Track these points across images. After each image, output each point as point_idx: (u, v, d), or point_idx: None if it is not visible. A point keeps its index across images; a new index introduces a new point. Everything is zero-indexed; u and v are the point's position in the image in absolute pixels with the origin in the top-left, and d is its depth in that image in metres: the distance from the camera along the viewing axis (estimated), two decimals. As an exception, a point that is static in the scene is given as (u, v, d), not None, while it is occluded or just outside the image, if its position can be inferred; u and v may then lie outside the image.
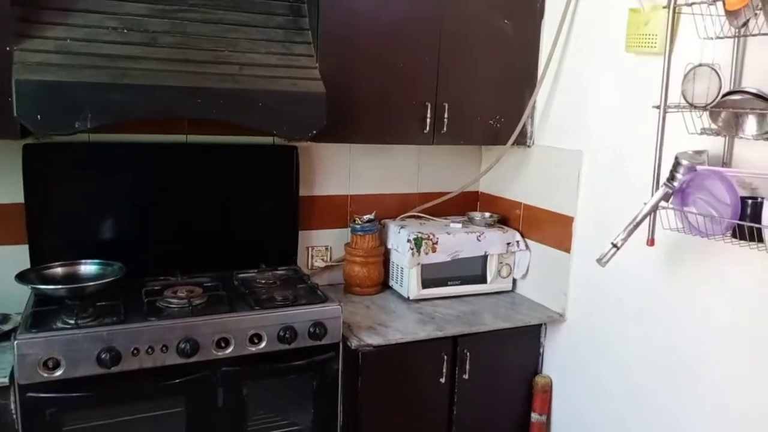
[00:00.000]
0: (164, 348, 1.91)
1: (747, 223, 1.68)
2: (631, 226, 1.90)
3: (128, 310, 1.99)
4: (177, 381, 1.96)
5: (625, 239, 1.91)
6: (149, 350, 1.89)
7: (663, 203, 1.88)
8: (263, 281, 2.36)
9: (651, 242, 1.94)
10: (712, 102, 1.72)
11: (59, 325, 1.88)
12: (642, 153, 2.08)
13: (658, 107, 1.88)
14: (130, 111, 1.83)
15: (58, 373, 1.80)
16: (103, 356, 1.82)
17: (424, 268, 2.59)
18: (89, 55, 1.85)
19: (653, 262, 2.11)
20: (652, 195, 1.89)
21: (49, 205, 2.21)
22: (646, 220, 1.91)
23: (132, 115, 1.85)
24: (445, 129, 2.47)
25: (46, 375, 1.79)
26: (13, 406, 1.80)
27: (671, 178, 1.85)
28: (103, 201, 2.29)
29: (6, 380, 1.77)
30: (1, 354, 1.90)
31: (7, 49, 1.79)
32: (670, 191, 1.85)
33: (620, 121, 2.23)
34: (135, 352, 1.88)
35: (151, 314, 1.98)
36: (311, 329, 2.10)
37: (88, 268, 2.17)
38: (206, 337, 1.96)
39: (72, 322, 1.88)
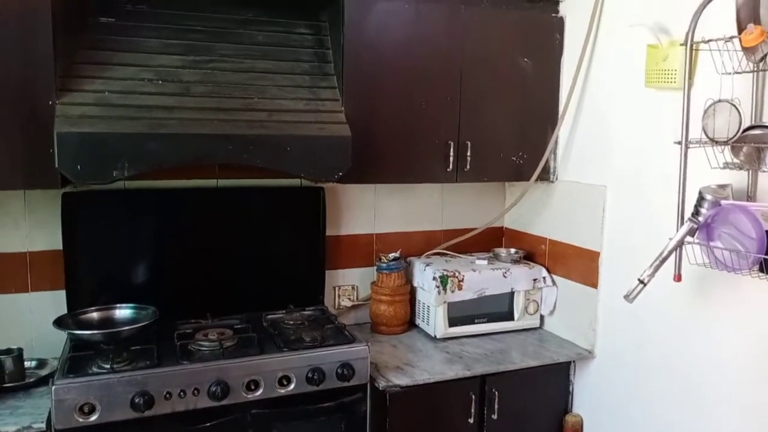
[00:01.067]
0: (196, 391, 1.94)
1: (775, 258, 1.67)
2: (658, 261, 1.90)
3: (161, 353, 2.03)
4: (208, 424, 1.97)
5: (651, 275, 1.91)
6: (181, 393, 1.92)
7: (688, 238, 1.88)
8: (291, 322, 2.39)
9: (678, 278, 1.93)
10: (733, 137, 1.74)
11: (95, 369, 1.92)
12: (666, 188, 2.08)
13: (679, 143, 1.89)
14: (165, 159, 1.90)
15: (94, 417, 1.83)
16: (137, 400, 1.85)
17: (451, 306, 2.60)
18: (126, 106, 1.94)
19: (681, 298, 2.10)
20: (677, 230, 1.89)
21: (85, 251, 2.27)
22: (672, 256, 1.91)
23: (167, 163, 1.92)
24: (468, 167, 2.51)
25: (81, 420, 1.82)
26: (50, 451, 1.83)
27: (696, 213, 1.86)
28: (138, 245, 2.36)
29: (43, 425, 1.81)
30: (38, 399, 1.95)
31: (50, 103, 1.88)
32: (695, 226, 1.85)
33: (643, 156, 2.25)
34: (168, 395, 1.90)
35: (184, 357, 2.02)
36: (339, 370, 2.11)
37: (122, 312, 2.23)
38: (237, 380, 1.99)
39: (107, 366, 1.92)
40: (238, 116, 2.03)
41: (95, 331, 2.05)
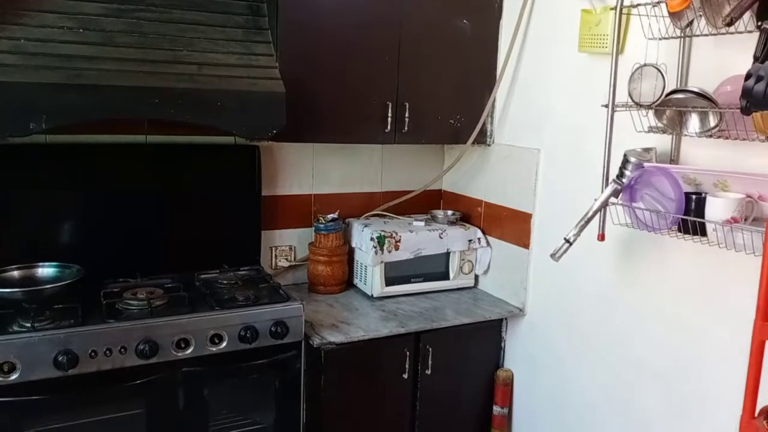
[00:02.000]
0: (123, 350, 1.90)
1: (691, 218, 1.74)
2: (583, 221, 1.96)
3: (86, 312, 1.98)
4: (136, 383, 1.95)
5: (576, 234, 1.97)
6: (107, 352, 1.88)
7: (613, 199, 1.94)
8: (225, 282, 2.36)
9: (601, 237, 1.99)
10: (656, 101, 1.78)
11: (15, 328, 1.86)
12: (595, 151, 2.13)
13: (606, 106, 1.93)
14: (85, 112, 1.82)
15: (14, 376, 1.78)
16: (60, 359, 1.81)
17: (388, 266, 2.62)
18: (44, 55, 1.83)
19: (605, 257, 2.17)
20: (602, 191, 1.95)
21: (6, 207, 2.18)
22: (597, 216, 1.97)
23: (88, 116, 1.84)
24: (406, 128, 2.50)
25: (1, 379, 1.77)
26: (-32, 411, 1.78)
27: (620, 174, 1.91)
28: (62, 203, 2.27)
29: (-40, 384, 1.75)
30: (-45, 358, 1.88)
31: (-40, 49, 1.77)
32: (619, 187, 1.91)
33: (575, 120, 2.29)
34: (93, 354, 1.87)
35: (110, 316, 1.97)
36: (273, 328, 2.11)
37: (45, 270, 2.15)
38: (166, 338, 1.96)
39: (28, 325, 1.86)
40: (166, 69, 1.96)
41: (15, 289, 1.98)
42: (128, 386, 1.94)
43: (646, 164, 1.89)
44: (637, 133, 1.92)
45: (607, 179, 1.96)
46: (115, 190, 2.35)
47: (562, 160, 2.37)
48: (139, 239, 2.39)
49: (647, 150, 1.96)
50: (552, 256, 2.01)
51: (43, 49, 1.85)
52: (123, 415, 1.98)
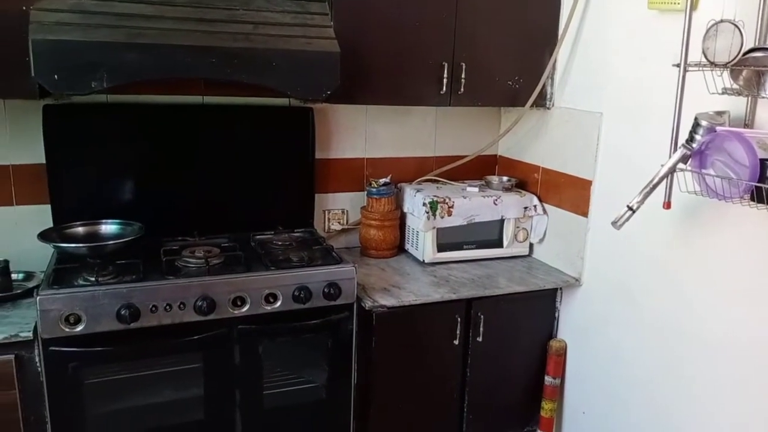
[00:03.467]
0: (182, 305, 1.95)
1: (766, 185, 1.64)
2: (648, 188, 1.87)
3: (147, 268, 2.03)
4: (194, 338, 2.00)
5: (641, 202, 1.89)
6: (167, 307, 1.94)
7: (681, 165, 1.84)
8: (279, 243, 2.39)
9: (667, 205, 1.91)
10: (733, 60, 1.67)
11: (80, 282, 1.93)
12: (662, 114, 2.03)
13: (678, 66, 1.83)
14: (144, 71, 1.84)
15: (80, 328, 1.86)
16: (123, 312, 1.87)
17: (440, 232, 2.59)
18: (104, 14, 1.86)
19: (669, 226, 2.08)
20: (670, 157, 1.86)
21: (69, 166, 2.25)
22: (663, 183, 1.88)
23: (146, 74, 1.85)
24: (462, 90, 2.44)
25: (67, 330, 1.84)
26: (37, 360, 1.87)
27: (690, 139, 1.81)
28: (122, 162, 2.33)
29: (30, 334, 1.83)
30: (25, 309, 1.97)
31: (24, 8, 1.81)
32: (689, 153, 1.81)
33: (641, 81, 2.18)
34: (153, 309, 1.92)
35: (169, 273, 2.02)
36: (326, 289, 2.13)
37: (108, 227, 2.22)
38: (222, 296, 2.00)
39: (93, 279, 1.93)
40: (222, 28, 1.95)
41: (81, 245, 2.05)
42: (186, 341, 2.00)
43: (718, 128, 1.78)
44: (710, 95, 1.81)
45: (676, 144, 1.87)
46: (173, 150, 2.39)
47: (625, 124, 2.26)
48: (196, 199, 2.44)
49: (720, 113, 1.85)
50: (613, 224, 1.94)
51: (103, 8, 1.88)
52: (181, 369, 2.04)
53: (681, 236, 2.06)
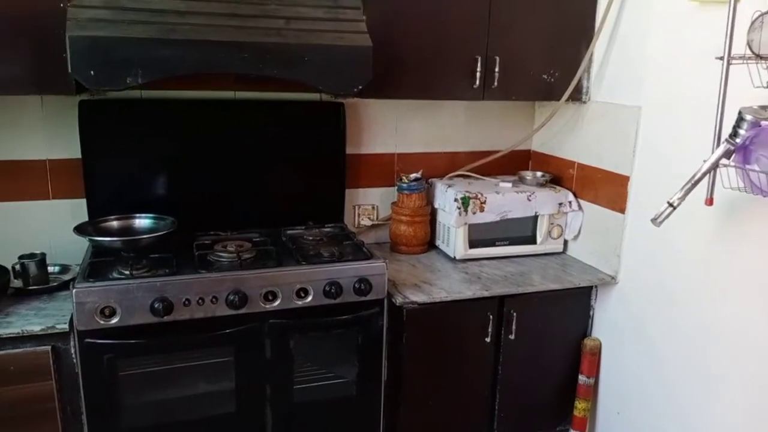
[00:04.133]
0: (214, 299, 1.97)
1: (815, 182, 1.57)
2: (689, 184, 1.81)
3: (180, 262, 2.05)
4: (226, 331, 2.02)
5: (682, 198, 1.83)
6: (200, 301, 1.95)
7: (724, 161, 1.78)
8: (310, 238, 2.39)
9: (710, 202, 1.85)
10: (781, 51, 1.60)
11: (115, 275, 1.96)
12: (704, 108, 1.96)
13: (721, 58, 1.76)
14: (178, 66, 1.85)
15: (114, 320, 1.88)
16: (156, 305, 1.89)
17: (472, 228, 2.56)
18: (137, 10, 1.87)
19: (711, 223, 2.02)
20: (713, 152, 1.80)
21: (104, 160, 2.28)
22: (706, 179, 1.82)
23: (180, 70, 1.86)
24: (495, 84, 2.40)
25: (102, 322, 1.87)
26: (73, 351, 1.90)
27: (734, 134, 1.75)
28: (156, 156, 2.36)
29: (66, 326, 1.86)
30: (61, 302, 2.01)
31: (61, 5, 1.83)
32: (732, 148, 1.75)
33: (681, 74, 2.11)
34: (186, 302, 1.94)
35: (202, 267, 2.04)
36: (356, 285, 2.12)
37: (142, 221, 2.25)
38: (254, 290, 2.01)
39: (127, 272, 1.96)
40: (254, 23, 1.95)
41: (116, 238, 2.08)
42: (218, 335, 2.01)
43: (763, 123, 1.71)
44: (754, 88, 1.74)
45: (719, 139, 1.81)
46: (205, 146, 2.41)
47: (664, 118, 2.20)
48: (228, 194, 2.45)
49: (765, 107, 1.78)
50: (653, 221, 1.88)
51: (138, 5, 1.89)
52: (213, 362, 2.06)
53: (723, 234, 1.99)
